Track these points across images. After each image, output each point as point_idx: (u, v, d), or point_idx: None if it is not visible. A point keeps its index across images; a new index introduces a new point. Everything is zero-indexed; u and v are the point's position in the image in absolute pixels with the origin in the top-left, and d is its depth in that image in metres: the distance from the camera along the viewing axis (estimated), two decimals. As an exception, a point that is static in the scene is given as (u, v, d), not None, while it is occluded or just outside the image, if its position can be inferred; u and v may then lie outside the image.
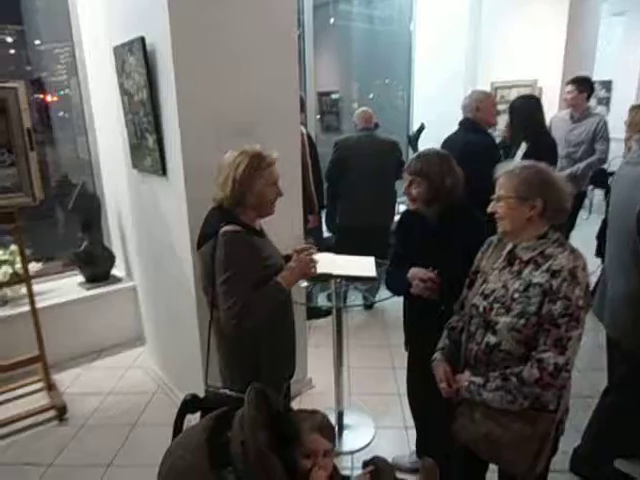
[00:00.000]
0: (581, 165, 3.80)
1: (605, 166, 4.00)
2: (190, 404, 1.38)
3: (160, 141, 2.31)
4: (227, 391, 1.59)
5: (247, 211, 1.68)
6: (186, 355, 2.60)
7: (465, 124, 3.10)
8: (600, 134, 3.77)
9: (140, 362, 3.37)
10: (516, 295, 1.37)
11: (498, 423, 1.41)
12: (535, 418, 1.35)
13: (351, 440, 2.53)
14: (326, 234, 4.11)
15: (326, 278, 2.19)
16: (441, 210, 1.82)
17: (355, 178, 3.64)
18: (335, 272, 2.25)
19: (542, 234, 1.39)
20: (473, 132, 3.00)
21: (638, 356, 1.85)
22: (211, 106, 2.20)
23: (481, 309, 1.47)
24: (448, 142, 3.12)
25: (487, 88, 5.01)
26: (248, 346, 1.70)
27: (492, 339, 1.42)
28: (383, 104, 5.74)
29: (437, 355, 1.64)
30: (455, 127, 5.24)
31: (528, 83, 4.50)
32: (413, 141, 5.26)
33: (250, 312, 1.56)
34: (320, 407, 2.75)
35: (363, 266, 2.46)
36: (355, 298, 3.59)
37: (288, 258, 1.79)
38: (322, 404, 2.77)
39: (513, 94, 4.39)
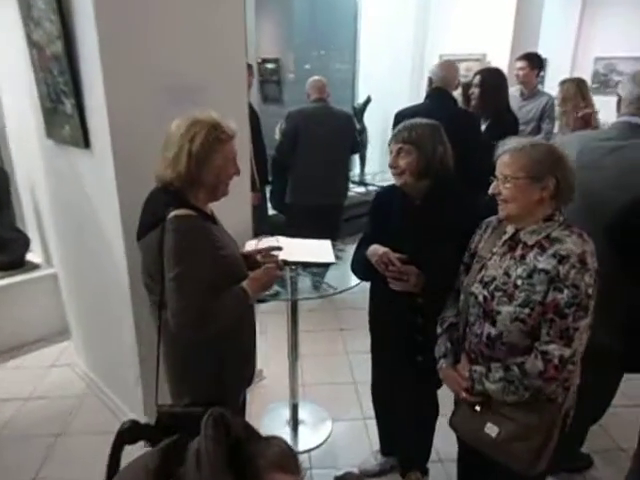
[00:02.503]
0: (529, 143, 3.79)
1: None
2: (128, 434, 1.11)
3: (80, 106, 1.92)
4: (184, 408, 1.38)
5: (199, 192, 1.41)
6: (119, 352, 2.29)
7: (431, 94, 2.89)
8: (547, 113, 3.76)
9: (65, 359, 2.97)
10: (519, 282, 1.26)
11: (500, 414, 1.32)
12: (540, 407, 1.27)
13: (307, 437, 2.36)
14: (271, 211, 3.88)
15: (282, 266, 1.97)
16: (429, 187, 1.62)
17: (308, 152, 3.38)
18: (291, 258, 2.03)
19: (548, 216, 1.28)
20: (436, 101, 2.80)
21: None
22: (145, 65, 1.84)
23: (481, 298, 1.34)
24: (421, 114, 2.92)
25: (435, 61, 4.91)
26: (206, 351, 1.44)
27: (493, 330, 1.31)
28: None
29: (442, 363, 1.49)
30: (404, 100, 5.13)
31: (477, 57, 4.43)
32: (359, 114, 5.10)
33: (207, 321, 1.30)
34: (272, 401, 2.64)
35: (320, 251, 2.26)
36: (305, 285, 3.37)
37: (245, 258, 1.55)
38: (274, 397, 2.59)
39: (462, 68, 4.28)
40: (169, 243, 1.29)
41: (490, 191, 1.32)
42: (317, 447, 2.30)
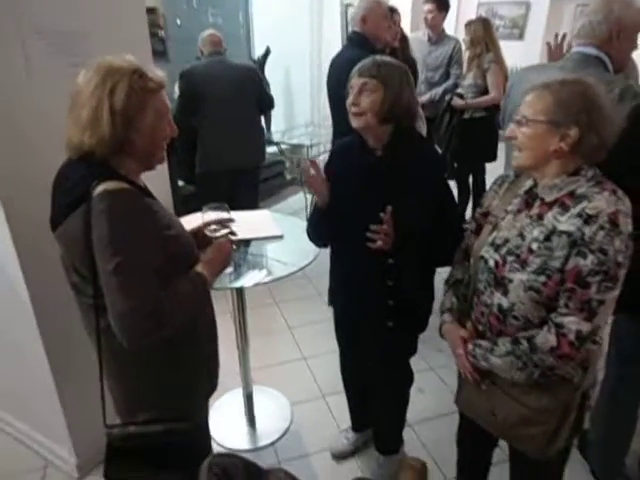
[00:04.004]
0: (439, 89, 3.75)
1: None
2: None
3: None
4: (140, 427, 1.16)
5: (129, 161, 1.09)
6: (29, 377, 1.84)
7: (351, 39, 2.63)
8: (456, 58, 3.73)
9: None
10: (534, 246, 1.08)
11: (509, 395, 1.19)
12: (555, 387, 1.13)
13: (268, 429, 2.15)
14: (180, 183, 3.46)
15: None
16: (391, 134, 1.42)
17: (212, 112, 2.97)
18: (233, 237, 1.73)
19: (573, 171, 1.09)
20: (358, 47, 2.55)
21: None
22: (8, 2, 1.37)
23: (491, 263, 1.17)
24: (335, 61, 2.65)
25: (337, 8, 4.63)
26: (159, 355, 1.15)
27: (505, 301, 1.14)
28: (192, 30, 4.76)
29: (446, 317, 1.33)
30: (305, 51, 4.82)
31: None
32: (260, 67, 4.70)
33: (162, 321, 1.00)
34: (222, 394, 2.35)
35: (262, 223, 1.98)
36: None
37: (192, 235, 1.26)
38: (222, 390, 2.30)
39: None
40: (100, 227, 0.98)
41: (506, 135, 1.14)
42: (281, 437, 2.11)
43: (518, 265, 1.11)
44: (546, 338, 1.06)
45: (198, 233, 1.32)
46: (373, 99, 1.36)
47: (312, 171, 1.43)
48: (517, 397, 1.17)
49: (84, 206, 0.99)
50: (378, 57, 1.40)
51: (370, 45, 2.49)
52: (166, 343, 1.10)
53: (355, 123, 1.41)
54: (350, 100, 1.39)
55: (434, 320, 1.46)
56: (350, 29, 2.64)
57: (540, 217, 1.10)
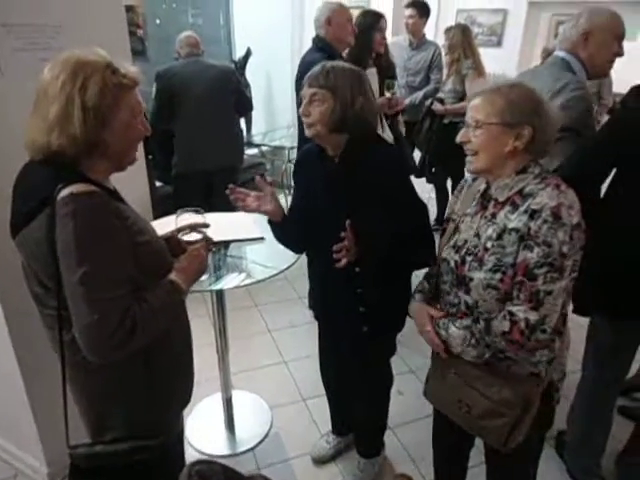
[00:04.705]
0: (420, 94, 3.79)
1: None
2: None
3: None
4: (107, 446, 1.11)
5: (98, 162, 1.02)
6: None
7: (315, 42, 2.61)
8: (436, 63, 3.77)
9: None
10: (489, 244, 1.13)
11: (472, 386, 1.21)
12: (516, 380, 1.17)
13: (247, 433, 2.12)
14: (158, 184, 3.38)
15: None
16: (347, 142, 1.40)
17: (189, 113, 2.94)
18: (215, 238, 1.70)
19: (522, 169, 1.14)
20: (322, 51, 2.50)
21: None
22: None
23: (452, 264, 1.22)
24: (300, 64, 2.63)
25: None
26: (129, 368, 1.09)
27: (469, 299, 1.19)
28: (171, 31, 4.65)
29: (416, 297, 1.35)
30: (286, 53, 4.80)
31: (361, 4, 4.25)
32: (240, 68, 4.66)
33: (131, 335, 0.95)
34: (199, 399, 2.31)
35: (242, 225, 1.96)
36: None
37: (165, 241, 1.22)
38: (200, 394, 2.27)
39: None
40: (66, 232, 0.91)
41: (458, 139, 1.17)
42: (261, 442, 2.08)
43: (476, 264, 1.15)
44: (501, 323, 1.11)
45: (172, 239, 1.26)
46: (322, 110, 1.34)
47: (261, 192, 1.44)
48: (480, 389, 1.19)
49: (48, 210, 0.93)
50: (329, 64, 1.37)
51: (333, 49, 2.48)
52: (136, 355, 1.04)
53: (307, 133, 1.40)
54: (301, 110, 1.38)
55: (413, 322, 1.46)
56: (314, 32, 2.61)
57: (494, 216, 1.15)
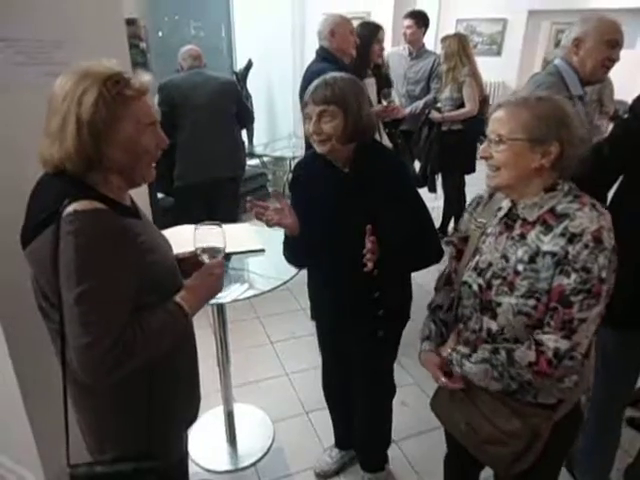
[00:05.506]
0: (420, 103, 3.79)
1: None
2: None
3: None
4: (107, 466, 1.07)
5: (107, 177, 0.99)
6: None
7: (319, 53, 2.66)
8: (435, 72, 3.78)
9: None
10: (520, 267, 1.05)
11: (480, 411, 1.16)
12: (527, 411, 1.10)
13: (249, 448, 2.09)
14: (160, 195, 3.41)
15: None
16: (355, 150, 1.40)
17: (191, 124, 2.96)
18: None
19: (550, 186, 1.06)
20: (326, 61, 2.54)
21: None
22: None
23: (475, 288, 1.14)
24: (304, 75, 2.65)
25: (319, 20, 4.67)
26: (130, 386, 1.06)
27: (494, 325, 1.11)
28: (173, 43, 4.64)
29: (425, 345, 1.29)
30: (288, 64, 4.83)
31: (361, 15, 4.27)
32: (242, 79, 4.70)
33: (124, 361, 0.92)
34: (204, 410, 2.23)
35: (243, 237, 1.95)
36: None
37: (180, 262, 1.18)
38: (204, 407, 2.23)
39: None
40: (67, 251, 0.89)
41: (480, 155, 1.11)
42: (263, 457, 2.05)
43: (506, 288, 1.07)
44: (525, 353, 1.03)
45: (191, 259, 1.18)
46: (334, 125, 1.33)
47: (278, 205, 1.42)
48: (488, 415, 1.14)
49: (53, 226, 0.90)
50: (327, 77, 1.36)
51: (338, 60, 2.51)
52: (139, 376, 1.01)
53: (320, 149, 1.38)
54: (310, 129, 1.36)
55: (417, 333, 1.43)
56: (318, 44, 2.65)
57: (523, 237, 1.07)
